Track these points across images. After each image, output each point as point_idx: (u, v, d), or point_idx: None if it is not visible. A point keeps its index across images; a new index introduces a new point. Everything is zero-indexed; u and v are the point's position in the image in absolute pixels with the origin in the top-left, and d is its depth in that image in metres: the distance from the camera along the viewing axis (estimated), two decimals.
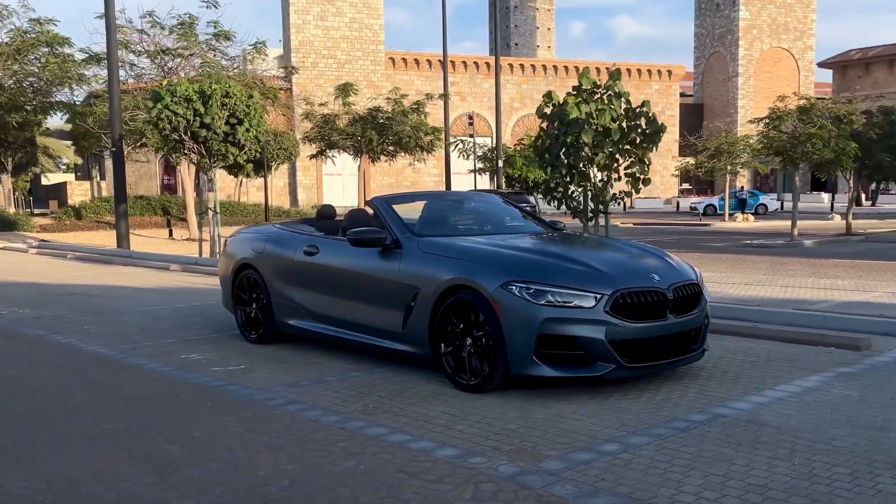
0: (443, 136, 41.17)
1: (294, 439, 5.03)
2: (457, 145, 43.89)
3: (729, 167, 42.18)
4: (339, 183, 65.08)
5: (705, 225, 40.12)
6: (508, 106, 67.35)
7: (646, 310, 5.97)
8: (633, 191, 11.35)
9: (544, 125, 11.88)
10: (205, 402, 6.01)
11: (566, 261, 6.24)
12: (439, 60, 68.08)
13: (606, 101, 11.45)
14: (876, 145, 26.76)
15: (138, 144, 35.05)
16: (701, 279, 6.68)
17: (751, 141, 39.74)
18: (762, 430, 5.09)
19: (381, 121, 41.05)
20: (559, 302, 5.80)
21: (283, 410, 5.75)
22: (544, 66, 70.18)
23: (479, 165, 44.07)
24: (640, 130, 11.23)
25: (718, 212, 49.40)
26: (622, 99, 11.52)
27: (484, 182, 49.72)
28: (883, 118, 28.12)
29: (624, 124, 11.43)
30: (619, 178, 11.62)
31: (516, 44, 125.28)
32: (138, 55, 31.38)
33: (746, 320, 8.54)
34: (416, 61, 68.50)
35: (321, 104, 42.61)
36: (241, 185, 43.35)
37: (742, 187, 59.88)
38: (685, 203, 55.94)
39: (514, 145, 43.49)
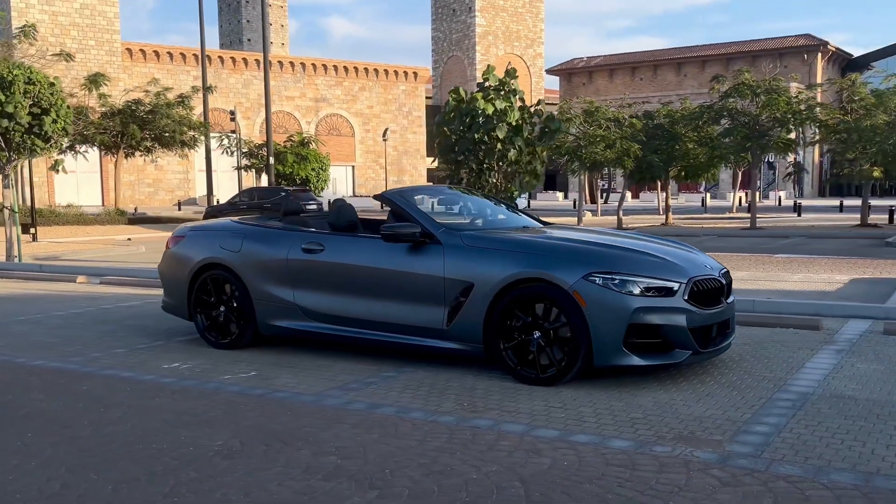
0: (206, 131, 39.66)
1: (449, 442, 4.79)
2: (221, 141, 42.37)
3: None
4: (74, 180, 60.60)
5: None
6: (256, 102, 66.06)
7: (709, 297, 6.25)
8: (530, 187, 11.71)
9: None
10: (282, 412, 5.52)
11: (637, 252, 6.37)
12: (181, 53, 65.52)
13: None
14: (644, 146, 29.11)
15: None
16: None
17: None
18: (860, 403, 5.51)
19: (142, 114, 38.87)
20: (645, 292, 5.93)
21: (381, 414, 5.43)
22: (292, 63, 69.37)
23: (245, 162, 42.80)
24: (540, 128, 11.57)
25: None
26: (517, 97, 11.80)
27: (250, 180, 48.44)
28: (647, 122, 30.67)
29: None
30: (522, 173, 11.91)
31: (249, 39, 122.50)
32: None
33: None
34: (157, 53, 65.29)
35: (70, 94, 39.55)
36: None
37: None
38: None
39: (284, 143, 42.63)
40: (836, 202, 51.65)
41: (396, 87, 73.01)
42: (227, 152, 43.59)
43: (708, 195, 56.58)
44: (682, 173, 32.15)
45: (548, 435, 4.92)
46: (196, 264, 7.90)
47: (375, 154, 71.29)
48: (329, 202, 8.35)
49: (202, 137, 39.53)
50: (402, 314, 6.73)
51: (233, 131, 45.69)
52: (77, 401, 5.92)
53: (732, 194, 45.70)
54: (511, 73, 12.08)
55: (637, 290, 5.91)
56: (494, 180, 11.55)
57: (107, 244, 24.98)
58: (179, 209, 54.23)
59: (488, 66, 14.13)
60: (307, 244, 7.29)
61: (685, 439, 4.80)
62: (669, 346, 6.00)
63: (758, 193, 60.17)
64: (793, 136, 28.32)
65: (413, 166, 74.29)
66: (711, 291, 6.28)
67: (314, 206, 31.10)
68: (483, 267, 6.34)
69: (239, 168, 43.89)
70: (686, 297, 6.03)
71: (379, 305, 6.86)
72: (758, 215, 31.96)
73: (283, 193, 30.84)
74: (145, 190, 64.00)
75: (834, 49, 72.76)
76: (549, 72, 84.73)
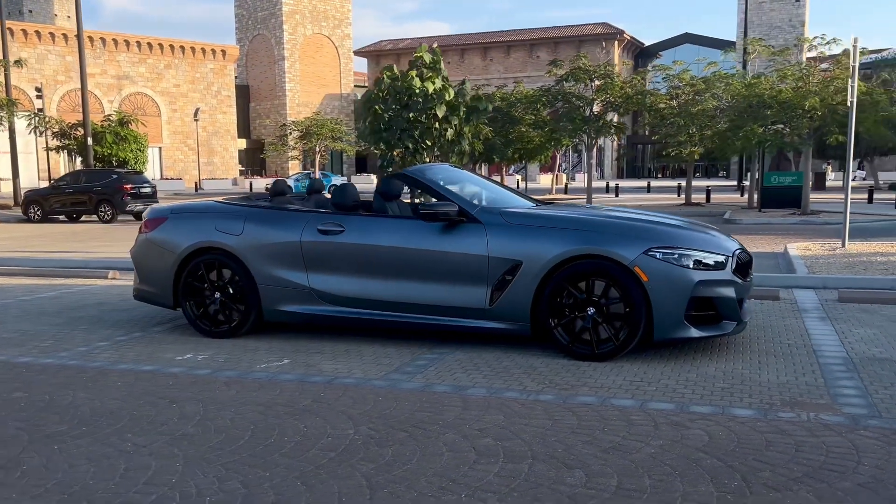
0: (12, 108, 36.70)
1: (582, 419, 4.81)
2: (31, 120, 39.22)
3: (321, 147, 43.57)
4: None
5: None
6: (52, 79, 61.80)
7: (744, 269, 6.58)
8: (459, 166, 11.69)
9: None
10: (374, 399, 5.33)
11: (684, 228, 6.59)
12: None
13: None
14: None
15: None
16: None
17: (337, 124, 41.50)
18: None
19: None
20: (700, 265, 6.16)
21: (478, 396, 5.35)
22: (91, 38, 65.16)
23: (57, 143, 39.93)
24: (471, 107, 11.61)
25: (295, 192, 50.49)
26: (441, 76, 11.78)
27: (60, 162, 45.25)
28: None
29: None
30: (451, 153, 11.89)
31: (31, 10, 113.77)
32: None
33: None
34: None
35: None
36: None
37: (319, 169, 61.69)
38: (258, 185, 56.25)
39: (101, 122, 40.01)
40: (639, 183, 54.86)
41: (204, 65, 70.34)
42: (35, 132, 40.48)
43: (518, 177, 58.38)
44: (517, 156, 33.13)
45: (666, 408, 5.04)
46: (186, 249, 7.42)
47: (184, 135, 68.50)
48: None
49: (5, 116, 36.57)
50: (439, 295, 6.64)
51: (41, 110, 42.43)
52: (131, 398, 5.45)
53: (552, 176, 47.43)
54: (437, 52, 12.05)
55: (694, 265, 6.14)
56: (429, 160, 11.49)
57: None
58: None
59: (422, 44, 13.99)
60: (324, 225, 7.02)
61: (797, 405, 5.05)
62: (719, 318, 6.27)
63: (565, 175, 62.89)
64: (624, 119, 29.81)
65: (224, 147, 72.03)
66: (745, 264, 6.62)
67: (148, 189, 29.71)
68: (533, 245, 6.36)
69: (48, 149, 40.90)
70: (733, 270, 6.33)
71: (411, 287, 6.73)
72: (574, 196, 33.31)
73: (115, 176, 29.13)
74: None
75: (629, 38, 76.98)
76: (357, 53, 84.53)
